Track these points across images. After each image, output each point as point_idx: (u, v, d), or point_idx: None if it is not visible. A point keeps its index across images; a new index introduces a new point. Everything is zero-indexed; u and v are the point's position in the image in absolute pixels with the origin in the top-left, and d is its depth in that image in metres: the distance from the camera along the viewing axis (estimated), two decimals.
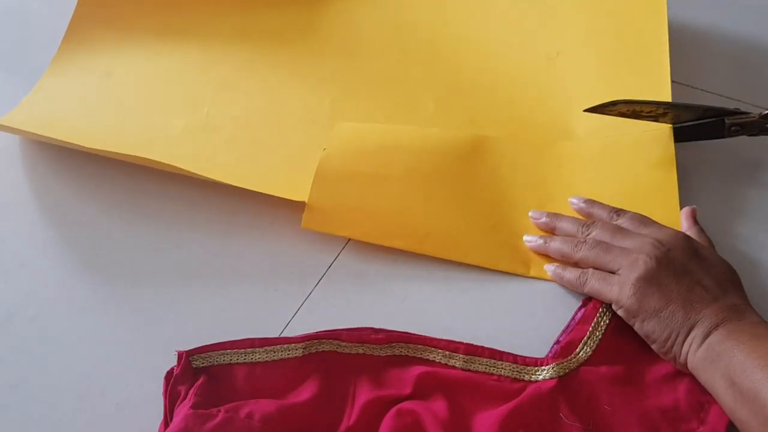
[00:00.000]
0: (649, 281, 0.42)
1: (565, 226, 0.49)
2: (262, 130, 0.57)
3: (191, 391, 0.40)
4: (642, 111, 0.53)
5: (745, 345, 0.38)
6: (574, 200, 0.51)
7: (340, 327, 0.44)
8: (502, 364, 0.43)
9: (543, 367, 0.43)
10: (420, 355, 0.44)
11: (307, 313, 0.47)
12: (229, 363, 0.42)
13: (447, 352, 0.43)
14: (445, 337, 0.44)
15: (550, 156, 0.55)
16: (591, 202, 0.50)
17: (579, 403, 0.41)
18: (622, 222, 0.48)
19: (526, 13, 0.65)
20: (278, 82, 0.61)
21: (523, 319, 0.47)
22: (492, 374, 0.43)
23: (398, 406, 0.41)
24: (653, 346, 0.42)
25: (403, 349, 0.44)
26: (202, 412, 0.38)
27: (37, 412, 0.42)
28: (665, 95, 0.56)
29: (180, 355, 0.42)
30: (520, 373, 0.43)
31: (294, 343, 0.43)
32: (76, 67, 0.60)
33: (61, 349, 0.45)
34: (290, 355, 0.43)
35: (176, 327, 0.46)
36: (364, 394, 0.42)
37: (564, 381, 0.42)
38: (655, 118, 0.53)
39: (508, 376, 0.42)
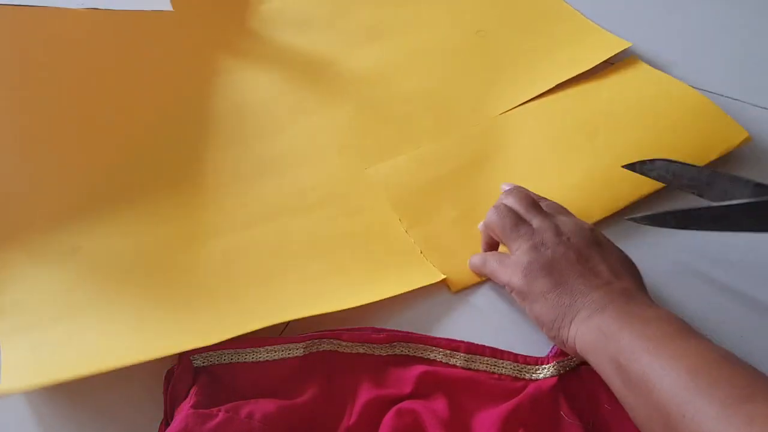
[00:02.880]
0: (541, 265, 0.42)
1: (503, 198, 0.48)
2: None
3: (192, 391, 0.40)
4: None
5: (633, 327, 0.36)
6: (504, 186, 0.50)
7: (341, 327, 0.44)
8: (503, 363, 0.43)
9: (544, 366, 0.43)
10: (421, 355, 0.44)
11: None
12: (230, 362, 0.42)
13: (448, 351, 0.43)
14: (445, 337, 0.44)
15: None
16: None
17: (579, 402, 0.41)
18: (542, 205, 0.47)
19: None
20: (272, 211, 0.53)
21: (523, 319, 0.46)
22: (493, 373, 0.43)
23: (398, 405, 0.41)
24: (543, 330, 0.42)
25: (403, 349, 0.44)
26: (202, 412, 0.38)
27: (37, 412, 0.42)
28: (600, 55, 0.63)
29: (181, 354, 0.42)
30: (521, 371, 0.43)
31: (295, 342, 0.43)
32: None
33: None
34: (291, 355, 0.43)
35: None
36: (364, 394, 0.42)
37: (564, 380, 0.42)
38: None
39: (509, 375, 0.42)
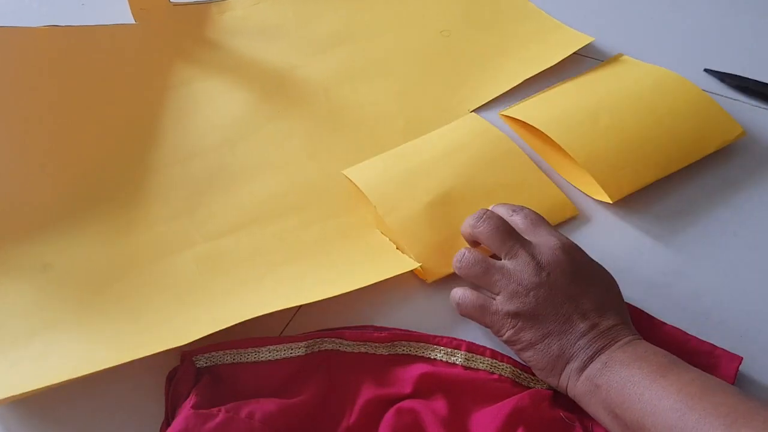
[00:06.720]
0: (526, 316, 0.41)
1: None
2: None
3: (193, 391, 0.40)
4: None
5: (620, 375, 0.38)
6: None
7: (342, 326, 0.44)
8: (502, 365, 0.43)
9: (540, 380, 0.43)
10: (422, 354, 0.44)
11: (307, 312, 0.47)
12: (232, 363, 0.42)
13: (449, 350, 0.43)
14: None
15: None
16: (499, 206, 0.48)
17: (578, 408, 0.41)
18: (517, 219, 0.46)
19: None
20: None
21: None
22: (493, 373, 0.43)
23: (398, 405, 0.41)
24: (535, 371, 0.42)
25: (404, 348, 0.44)
26: (203, 412, 0.38)
27: (37, 411, 0.42)
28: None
29: (183, 355, 0.42)
30: (519, 377, 0.43)
31: (297, 342, 0.43)
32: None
33: None
34: (293, 354, 0.43)
35: None
36: (364, 393, 0.42)
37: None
38: None
39: (508, 378, 0.42)
